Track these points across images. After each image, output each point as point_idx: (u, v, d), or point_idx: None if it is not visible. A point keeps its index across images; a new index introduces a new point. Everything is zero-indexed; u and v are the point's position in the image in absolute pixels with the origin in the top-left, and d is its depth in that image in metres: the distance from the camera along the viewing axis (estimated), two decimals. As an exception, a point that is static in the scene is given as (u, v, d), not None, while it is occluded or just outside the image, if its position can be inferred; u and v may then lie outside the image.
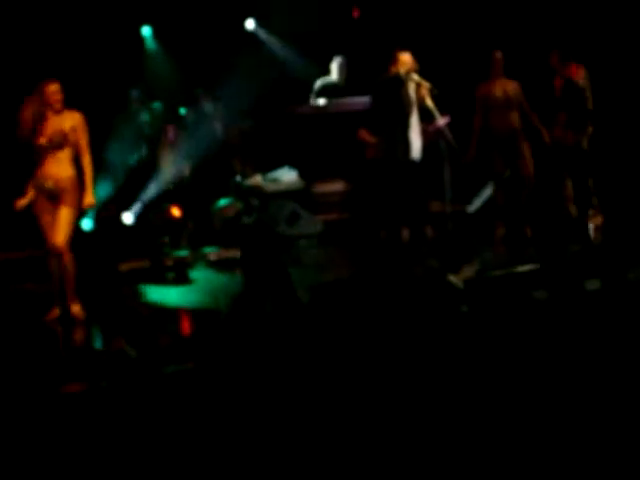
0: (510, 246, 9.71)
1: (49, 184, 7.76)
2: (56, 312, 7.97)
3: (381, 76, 9.23)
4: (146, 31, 12.23)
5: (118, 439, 5.01)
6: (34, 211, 7.87)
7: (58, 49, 10.57)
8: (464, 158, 9.76)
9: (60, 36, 10.66)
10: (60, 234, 7.79)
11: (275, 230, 10.78)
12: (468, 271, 8.40)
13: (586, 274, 6.32)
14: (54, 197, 7.80)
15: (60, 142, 7.75)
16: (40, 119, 7.69)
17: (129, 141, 10.29)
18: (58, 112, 7.80)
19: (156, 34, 12.25)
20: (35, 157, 7.79)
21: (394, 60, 9.10)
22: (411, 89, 9.13)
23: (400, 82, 9.00)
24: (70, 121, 7.83)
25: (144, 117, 10.78)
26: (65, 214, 7.82)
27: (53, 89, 7.80)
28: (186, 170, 11.16)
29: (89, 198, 7.89)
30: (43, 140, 7.69)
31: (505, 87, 10.00)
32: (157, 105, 11.14)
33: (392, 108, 9.07)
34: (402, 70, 9.04)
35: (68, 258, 7.88)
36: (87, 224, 10.34)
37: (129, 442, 4.97)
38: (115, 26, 11.21)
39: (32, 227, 8.05)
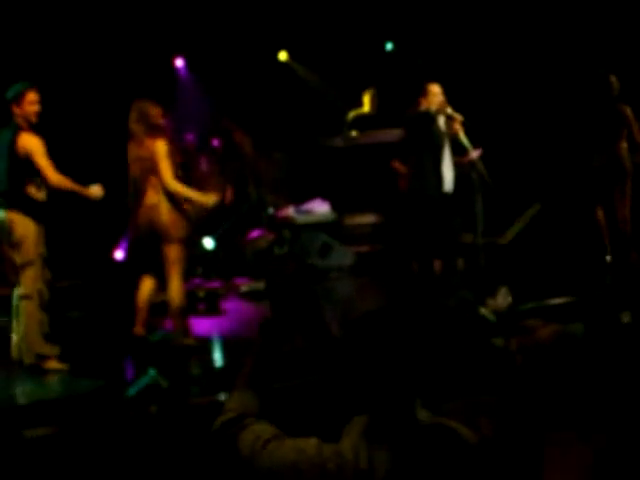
0: (544, 278, 9.64)
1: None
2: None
3: (410, 112, 9.23)
4: (179, 62, 12.30)
5: (146, 469, 5.00)
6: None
7: (92, 81, 10.65)
8: None
9: (95, 68, 10.73)
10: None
11: (307, 262, 10.78)
12: (500, 304, 8.34)
13: (621, 306, 6.27)
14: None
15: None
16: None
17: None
18: None
19: (189, 65, 12.32)
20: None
21: (424, 92, 9.11)
22: (442, 123, 9.12)
23: (430, 118, 9.00)
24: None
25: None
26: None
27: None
28: (228, 195, 11.20)
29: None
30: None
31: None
32: (190, 137, 11.19)
33: (423, 143, 9.06)
34: (433, 104, 9.04)
35: None
36: (120, 255, 10.39)
37: (159, 472, 4.96)
38: (148, 57, 11.28)
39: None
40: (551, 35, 11.52)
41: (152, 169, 7.62)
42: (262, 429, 2.57)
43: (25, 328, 7.24)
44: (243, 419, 2.62)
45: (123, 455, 5.25)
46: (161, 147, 7.58)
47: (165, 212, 7.60)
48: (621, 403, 3.04)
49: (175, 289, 7.69)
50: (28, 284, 7.23)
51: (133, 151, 7.76)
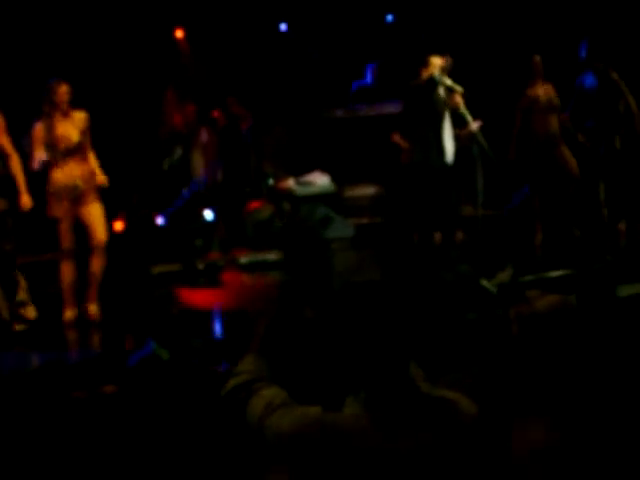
0: (546, 251, 9.66)
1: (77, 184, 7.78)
2: (71, 314, 7.97)
3: (414, 80, 9.21)
4: (180, 33, 12.26)
5: (148, 441, 5.02)
6: (55, 215, 7.85)
7: (91, 52, 10.62)
8: (509, 155, 9.80)
9: (93, 39, 10.69)
10: (103, 230, 7.95)
11: (307, 234, 10.79)
12: (502, 276, 8.35)
13: (618, 280, 6.28)
14: (77, 198, 7.81)
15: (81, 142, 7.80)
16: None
17: (162, 143, 10.30)
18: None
19: (189, 37, 12.28)
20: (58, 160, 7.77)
21: (426, 64, 9.09)
22: (442, 92, 9.10)
23: (434, 84, 8.97)
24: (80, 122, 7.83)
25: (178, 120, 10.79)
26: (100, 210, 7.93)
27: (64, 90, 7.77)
28: (219, 173, 11.17)
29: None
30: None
31: (547, 91, 9.96)
32: (190, 108, 11.16)
33: (424, 113, 9.05)
34: (435, 72, 9.02)
35: (104, 255, 7.94)
36: (119, 225, 10.38)
37: (160, 443, 4.98)
38: (149, 29, 11.25)
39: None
40: (554, 8, 11.48)
41: None
42: (272, 394, 2.57)
43: None
44: (254, 383, 2.63)
45: (123, 427, 5.27)
46: None
47: None
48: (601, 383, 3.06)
49: None
50: None
51: None
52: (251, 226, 10.89)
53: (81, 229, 7.92)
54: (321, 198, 11.16)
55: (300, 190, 11.14)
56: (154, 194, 10.38)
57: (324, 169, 11.38)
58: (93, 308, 8.06)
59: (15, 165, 7.67)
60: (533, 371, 3.03)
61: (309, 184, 11.23)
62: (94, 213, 7.88)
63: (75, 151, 7.74)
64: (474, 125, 9.00)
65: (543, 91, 9.97)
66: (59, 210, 7.80)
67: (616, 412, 3.00)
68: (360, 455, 2.36)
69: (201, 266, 10.27)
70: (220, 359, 6.22)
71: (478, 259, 9.17)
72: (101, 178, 7.96)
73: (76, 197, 7.80)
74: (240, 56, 11.85)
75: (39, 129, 7.66)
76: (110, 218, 10.41)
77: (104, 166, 8.10)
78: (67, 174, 7.74)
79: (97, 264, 7.98)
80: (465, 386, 2.99)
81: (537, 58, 9.97)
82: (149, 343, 6.28)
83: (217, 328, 8.07)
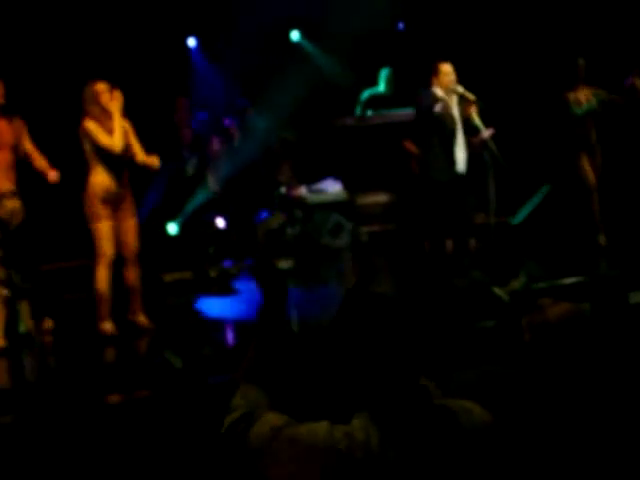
0: (558, 258, 9.64)
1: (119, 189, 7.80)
2: (110, 324, 7.83)
3: (421, 96, 9.18)
4: (192, 42, 12.28)
5: (161, 449, 5.03)
6: (97, 220, 7.78)
7: (103, 60, 10.63)
8: None
9: (106, 46, 10.71)
10: (137, 241, 7.97)
11: (319, 241, 10.79)
12: (515, 283, 8.35)
13: (630, 287, 6.25)
14: (116, 204, 7.82)
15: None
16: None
17: (175, 152, 10.29)
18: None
19: (202, 45, 12.30)
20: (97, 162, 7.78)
21: (435, 71, 9.07)
22: (454, 104, 9.07)
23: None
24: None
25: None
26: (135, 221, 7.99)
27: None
28: (230, 181, 11.18)
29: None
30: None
31: (588, 96, 9.98)
32: (202, 116, 11.17)
33: (434, 129, 9.04)
34: (443, 84, 8.99)
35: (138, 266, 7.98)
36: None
37: (171, 451, 4.99)
38: (161, 37, 11.27)
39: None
40: (566, 15, 11.46)
41: None
42: (273, 418, 2.55)
43: None
44: (250, 415, 2.60)
45: (137, 434, 5.28)
46: None
47: None
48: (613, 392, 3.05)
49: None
50: None
51: None
52: (262, 234, 10.89)
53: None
54: (333, 206, 11.16)
55: (312, 198, 11.14)
56: (166, 202, 10.38)
57: (336, 177, 11.38)
58: (143, 317, 8.04)
59: (39, 163, 7.80)
60: (545, 380, 3.02)
61: (321, 192, 11.23)
62: (133, 224, 7.97)
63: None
64: (486, 133, 8.99)
65: (583, 96, 9.99)
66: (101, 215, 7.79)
67: (629, 419, 2.99)
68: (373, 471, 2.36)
69: (213, 274, 10.28)
70: (232, 368, 6.24)
71: (491, 267, 9.16)
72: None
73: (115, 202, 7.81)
74: (252, 64, 11.85)
75: None
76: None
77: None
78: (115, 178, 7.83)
79: (135, 274, 8.03)
80: (476, 390, 2.99)
81: (581, 62, 9.94)
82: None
83: (229, 337, 8.08)
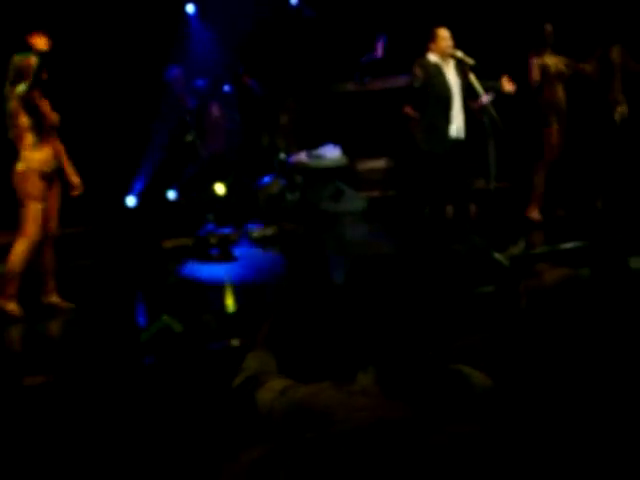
0: (557, 224, 9.64)
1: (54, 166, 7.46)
2: (14, 305, 7.38)
3: (418, 64, 9.13)
4: (190, 9, 12.22)
5: (165, 413, 5.04)
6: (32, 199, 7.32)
7: (100, 29, 10.59)
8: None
9: (102, 15, 10.66)
10: (56, 221, 7.56)
11: (319, 207, 10.79)
12: (514, 248, 8.36)
13: (630, 252, 6.25)
14: (51, 179, 7.44)
15: None
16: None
17: (173, 119, 10.28)
18: None
19: (200, 12, 12.24)
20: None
21: (432, 37, 9.03)
22: (451, 70, 9.02)
23: (438, 70, 8.93)
24: None
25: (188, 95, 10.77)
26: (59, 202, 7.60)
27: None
28: (230, 147, 11.17)
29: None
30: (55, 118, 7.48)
31: (556, 61, 10.00)
32: (201, 83, 11.15)
33: (429, 96, 8.99)
34: (440, 49, 8.95)
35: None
36: (131, 201, 10.40)
37: (177, 415, 5.01)
38: (159, 3, 11.21)
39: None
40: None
41: None
42: (278, 383, 2.60)
43: None
44: (259, 377, 2.66)
45: (136, 402, 5.29)
46: None
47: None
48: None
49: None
50: None
51: None
52: (263, 200, 10.90)
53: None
54: (333, 171, 11.16)
55: (312, 163, 11.13)
56: (165, 169, 10.38)
57: (336, 142, 11.37)
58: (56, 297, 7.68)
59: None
60: (541, 346, 3.03)
61: (321, 157, 11.22)
62: (57, 201, 7.54)
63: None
64: (485, 98, 8.95)
65: (552, 60, 10.01)
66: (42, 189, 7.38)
67: (628, 390, 2.99)
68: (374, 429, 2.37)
69: (213, 240, 10.28)
70: (232, 333, 6.26)
71: (491, 232, 9.17)
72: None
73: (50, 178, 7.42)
74: (251, 30, 11.80)
75: None
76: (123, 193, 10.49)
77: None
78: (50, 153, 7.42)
79: (52, 251, 7.59)
80: (476, 354, 3.00)
81: (549, 27, 9.97)
82: (162, 317, 6.31)
83: (230, 302, 8.10)
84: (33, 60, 7.06)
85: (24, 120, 7.19)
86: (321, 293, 2.93)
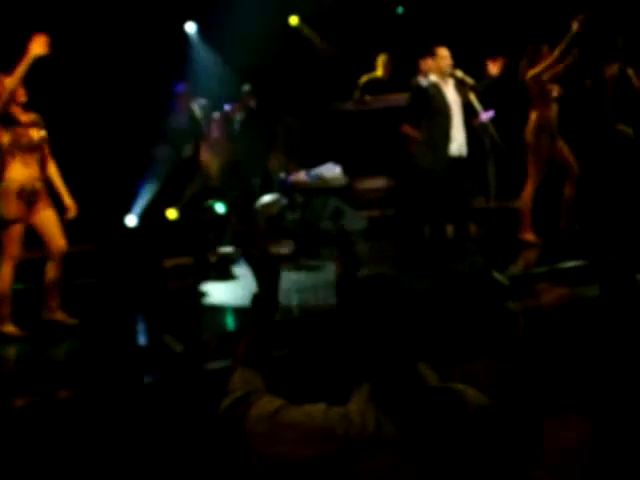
0: (556, 242, 9.62)
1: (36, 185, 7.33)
2: (12, 326, 7.33)
3: (415, 83, 9.16)
4: (190, 28, 12.27)
5: (163, 433, 5.04)
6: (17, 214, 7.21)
7: (102, 47, 10.63)
8: None
9: (104, 34, 10.70)
10: (62, 237, 7.48)
11: (319, 226, 10.79)
12: (514, 268, 8.36)
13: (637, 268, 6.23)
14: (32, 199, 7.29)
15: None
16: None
17: (174, 138, 10.28)
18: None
19: (201, 31, 12.29)
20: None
21: (432, 55, 9.06)
22: (450, 89, 9.04)
23: (437, 89, 8.95)
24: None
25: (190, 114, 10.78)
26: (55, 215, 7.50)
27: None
28: (231, 167, 11.19)
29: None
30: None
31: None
32: (203, 102, 11.17)
33: (427, 113, 9.01)
34: (438, 68, 8.97)
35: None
36: (132, 220, 10.40)
37: (174, 436, 5.00)
38: (159, 23, 11.25)
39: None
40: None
41: None
42: (269, 402, 2.55)
43: None
44: (248, 397, 2.59)
45: (138, 420, 5.29)
46: None
47: None
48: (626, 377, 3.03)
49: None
50: None
51: None
52: (263, 219, 10.90)
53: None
54: (333, 190, 11.16)
55: (312, 182, 11.14)
56: (166, 188, 10.38)
57: (336, 161, 11.38)
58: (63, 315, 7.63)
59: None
60: (544, 366, 3.01)
61: (321, 177, 11.23)
62: (54, 219, 7.44)
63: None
64: (484, 116, 8.96)
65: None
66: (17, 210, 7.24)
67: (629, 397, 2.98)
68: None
69: (213, 259, 10.29)
70: (233, 353, 6.25)
71: (491, 251, 9.17)
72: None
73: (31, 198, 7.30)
74: (252, 50, 11.84)
75: None
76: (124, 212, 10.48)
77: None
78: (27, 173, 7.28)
79: (59, 269, 7.52)
80: (474, 377, 2.99)
81: (546, 48, 9.91)
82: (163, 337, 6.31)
83: (230, 321, 8.09)
84: (7, 82, 7.03)
85: (2, 139, 7.16)
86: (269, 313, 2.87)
